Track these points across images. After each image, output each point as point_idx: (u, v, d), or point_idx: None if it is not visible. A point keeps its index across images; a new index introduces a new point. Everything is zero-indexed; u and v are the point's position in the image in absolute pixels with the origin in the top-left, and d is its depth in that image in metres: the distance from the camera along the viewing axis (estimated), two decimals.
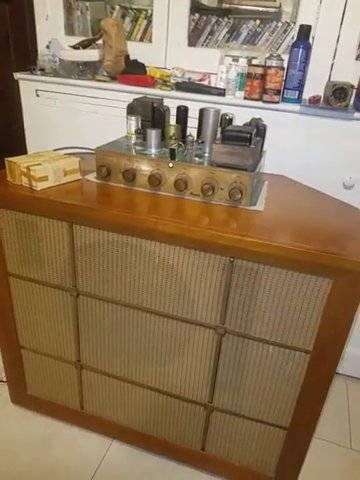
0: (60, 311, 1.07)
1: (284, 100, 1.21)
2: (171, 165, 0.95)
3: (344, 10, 1.17)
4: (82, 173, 1.04)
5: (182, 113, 1.08)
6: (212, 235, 0.82)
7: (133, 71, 1.33)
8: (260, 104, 1.21)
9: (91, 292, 1.00)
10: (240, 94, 1.26)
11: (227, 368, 0.98)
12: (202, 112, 1.01)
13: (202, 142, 0.98)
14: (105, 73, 1.37)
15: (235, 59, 1.25)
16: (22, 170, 0.93)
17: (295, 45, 1.15)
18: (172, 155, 0.95)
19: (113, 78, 1.37)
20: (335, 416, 1.38)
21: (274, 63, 1.18)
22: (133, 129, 1.05)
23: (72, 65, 1.35)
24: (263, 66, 1.19)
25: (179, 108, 1.09)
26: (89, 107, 1.40)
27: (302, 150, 1.23)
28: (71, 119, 1.46)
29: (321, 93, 1.25)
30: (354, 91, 1.16)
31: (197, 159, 0.97)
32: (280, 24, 1.33)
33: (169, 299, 0.94)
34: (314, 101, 1.19)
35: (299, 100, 1.21)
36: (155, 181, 0.95)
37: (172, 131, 1.02)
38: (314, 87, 1.25)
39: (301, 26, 1.16)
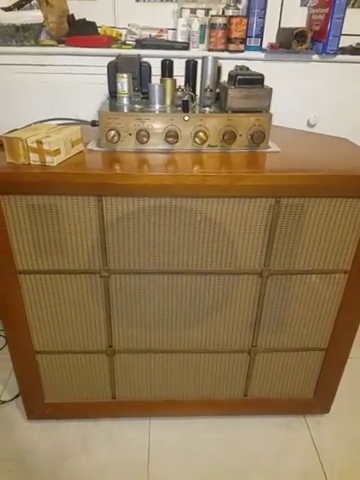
0: (87, 298, 0.97)
1: (248, 48, 1.24)
2: (187, 118, 0.91)
3: None
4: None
5: (168, 67, 1.04)
6: (264, 177, 0.82)
7: (82, 32, 1.21)
8: (226, 54, 1.22)
9: (124, 268, 0.93)
10: (202, 46, 1.24)
11: (271, 308, 1.01)
12: (191, 63, 1.00)
13: (211, 90, 0.95)
14: (48, 37, 1.22)
15: (192, 11, 1.22)
16: (30, 146, 0.80)
17: None
18: (185, 107, 0.91)
19: (59, 42, 1.23)
20: None
21: (233, 12, 1.20)
22: (126, 88, 0.97)
23: (9, 30, 1.16)
24: (225, 16, 1.19)
25: (164, 62, 1.04)
26: (36, 77, 1.24)
27: None
28: (14, 93, 1.27)
29: (274, 40, 1.31)
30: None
31: (207, 109, 0.95)
32: None
33: (211, 255, 0.93)
34: (275, 47, 1.24)
35: (261, 47, 1.25)
36: (173, 137, 0.91)
37: (169, 85, 0.97)
38: (266, 35, 1.30)
39: None
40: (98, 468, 1.07)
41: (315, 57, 1.26)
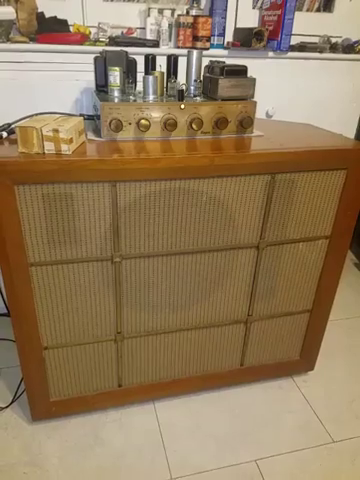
0: (98, 286, 0.99)
1: (212, 46, 1.34)
2: (183, 107, 0.98)
3: None
4: None
5: (151, 61, 1.10)
6: (264, 155, 0.92)
7: (54, 29, 1.22)
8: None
9: (136, 252, 0.97)
10: (170, 44, 1.32)
11: (265, 277, 1.12)
12: (172, 57, 1.07)
13: (200, 81, 1.03)
14: (18, 34, 1.21)
15: (160, 11, 1.29)
16: (46, 134, 0.81)
17: None
18: (181, 96, 0.98)
19: (29, 39, 1.22)
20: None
21: (196, 12, 1.29)
22: (118, 81, 1.01)
23: None
24: (191, 16, 1.28)
25: (147, 57, 1.09)
26: (7, 74, 1.21)
27: None
28: None
29: (230, 39, 1.44)
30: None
31: (198, 98, 1.03)
32: None
33: (215, 233, 1.00)
34: (236, 45, 1.36)
35: (223, 45, 1.36)
36: (172, 125, 0.97)
37: (160, 77, 1.03)
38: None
39: None
40: (116, 456, 1.09)
41: (271, 54, 1.40)
